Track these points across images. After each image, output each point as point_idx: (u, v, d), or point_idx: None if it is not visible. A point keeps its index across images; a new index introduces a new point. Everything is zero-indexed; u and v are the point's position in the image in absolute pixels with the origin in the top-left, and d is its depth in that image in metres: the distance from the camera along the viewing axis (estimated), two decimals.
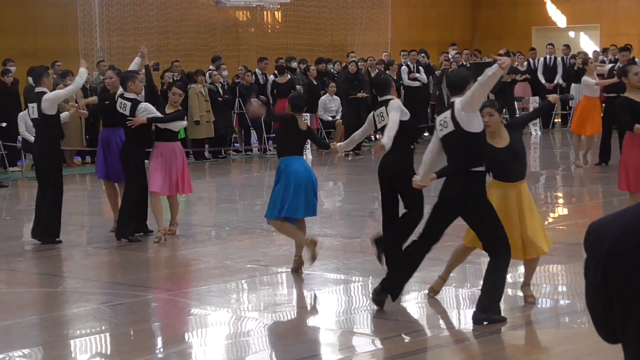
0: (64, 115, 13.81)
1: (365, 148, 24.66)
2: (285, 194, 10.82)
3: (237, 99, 23.97)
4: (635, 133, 11.83)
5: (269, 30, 31.07)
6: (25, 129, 19.50)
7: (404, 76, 25.83)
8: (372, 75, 25.70)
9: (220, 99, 23.43)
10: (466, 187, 8.61)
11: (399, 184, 10.25)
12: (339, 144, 11.21)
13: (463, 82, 8.70)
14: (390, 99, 10.54)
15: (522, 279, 9.69)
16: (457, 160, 8.68)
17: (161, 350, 8.77)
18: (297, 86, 24.41)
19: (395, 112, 10.26)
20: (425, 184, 9.04)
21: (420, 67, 26.43)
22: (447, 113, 8.63)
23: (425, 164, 8.92)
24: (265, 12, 30.35)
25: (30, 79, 21.74)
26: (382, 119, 10.48)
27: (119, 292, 10.71)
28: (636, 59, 28.26)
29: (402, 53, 27.50)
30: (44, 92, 13.09)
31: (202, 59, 26.91)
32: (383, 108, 10.49)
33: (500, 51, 27.86)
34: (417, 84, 25.87)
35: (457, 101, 8.57)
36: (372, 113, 10.86)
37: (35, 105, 13.10)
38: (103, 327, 9.34)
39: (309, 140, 12.16)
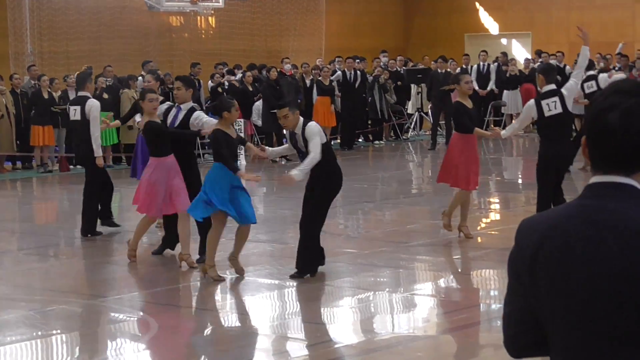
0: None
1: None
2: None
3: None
4: (465, 135, 12.74)
5: (203, 36, 30.97)
6: None
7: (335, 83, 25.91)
8: (308, 80, 25.75)
9: None
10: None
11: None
12: (270, 149, 11.24)
13: None
14: (308, 123, 10.74)
15: (451, 284, 9.71)
16: None
17: (91, 356, 8.67)
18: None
19: (315, 140, 10.54)
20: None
21: (359, 72, 26.48)
22: None
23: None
24: (198, 18, 30.22)
25: None
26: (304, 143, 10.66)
27: (49, 299, 10.58)
28: (567, 67, 28.67)
29: (337, 59, 27.56)
30: (87, 97, 13.84)
31: (135, 64, 26.70)
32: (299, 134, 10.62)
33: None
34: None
35: None
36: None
37: (78, 108, 13.74)
38: (33, 334, 9.21)
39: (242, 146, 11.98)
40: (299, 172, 10.60)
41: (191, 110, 12.00)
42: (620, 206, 2.57)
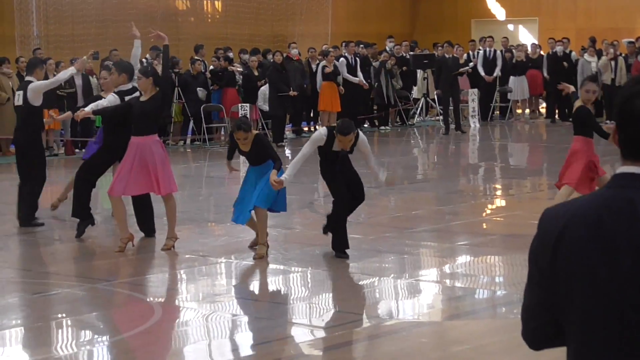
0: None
1: (305, 138, 24.65)
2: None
3: (177, 88, 23.75)
4: (588, 139, 12.00)
5: (209, 20, 30.91)
6: None
7: (343, 69, 25.76)
8: (314, 65, 25.72)
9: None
10: None
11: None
12: (287, 177, 10.95)
13: None
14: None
15: (456, 270, 9.69)
16: None
17: (99, 340, 8.69)
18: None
19: (306, 146, 11.06)
20: None
21: (358, 59, 26.40)
22: None
23: None
24: (205, 2, 30.18)
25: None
26: None
27: (54, 282, 10.59)
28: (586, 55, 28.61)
29: (343, 44, 27.54)
30: (31, 82, 13.28)
31: (141, 48, 26.65)
32: None
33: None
34: (356, 80, 25.72)
35: None
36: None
37: (21, 93, 13.30)
38: (37, 317, 9.23)
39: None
40: (288, 176, 10.90)
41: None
42: None
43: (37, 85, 13.27)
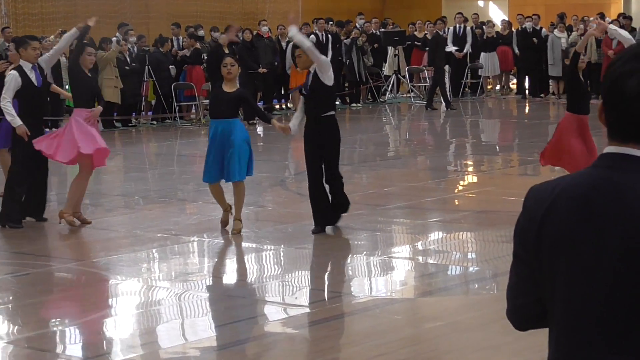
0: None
1: (274, 116, 24.59)
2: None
3: (146, 66, 23.65)
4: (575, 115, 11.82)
5: None
6: None
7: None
8: (284, 43, 25.65)
9: (127, 67, 23.09)
10: None
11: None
12: (293, 125, 11.48)
13: None
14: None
15: (428, 247, 9.73)
16: None
17: (70, 320, 8.65)
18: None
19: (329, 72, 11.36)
20: None
21: (330, 36, 26.37)
22: None
23: None
24: None
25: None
26: None
27: (25, 262, 10.54)
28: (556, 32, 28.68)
29: (313, 21, 27.50)
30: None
31: (111, 26, 26.50)
32: None
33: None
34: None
35: None
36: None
37: None
38: (9, 298, 9.18)
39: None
40: (293, 126, 11.40)
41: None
42: (628, 179, 2.48)
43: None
